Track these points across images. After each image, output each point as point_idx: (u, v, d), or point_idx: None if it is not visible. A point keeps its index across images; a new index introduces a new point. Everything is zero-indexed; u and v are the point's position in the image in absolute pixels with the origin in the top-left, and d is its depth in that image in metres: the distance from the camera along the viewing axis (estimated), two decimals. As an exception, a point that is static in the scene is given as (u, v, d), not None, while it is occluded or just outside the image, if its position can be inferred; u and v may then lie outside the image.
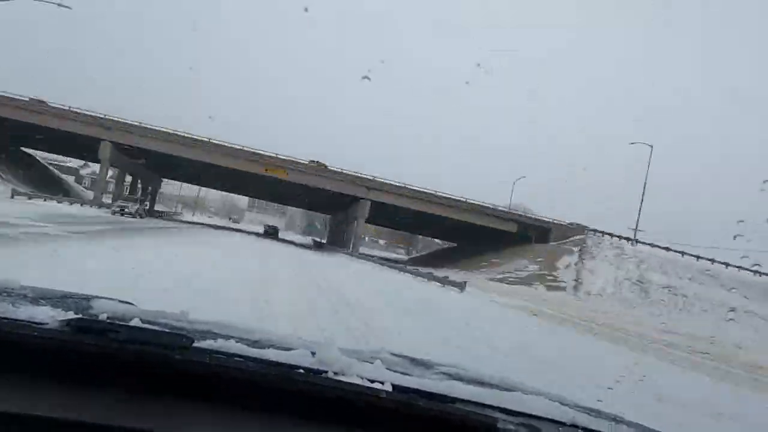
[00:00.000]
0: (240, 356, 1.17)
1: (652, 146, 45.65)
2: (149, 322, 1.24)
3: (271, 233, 54.60)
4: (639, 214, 44.78)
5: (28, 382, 0.99)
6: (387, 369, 1.36)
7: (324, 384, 1.18)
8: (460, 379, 1.51)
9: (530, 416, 1.29)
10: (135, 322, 1.16)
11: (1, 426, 0.89)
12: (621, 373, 9.14)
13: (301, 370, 1.19)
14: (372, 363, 1.36)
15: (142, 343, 1.06)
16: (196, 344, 1.13)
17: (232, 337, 1.26)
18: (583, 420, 1.40)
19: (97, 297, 1.51)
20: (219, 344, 1.19)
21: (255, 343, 1.31)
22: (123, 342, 1.04)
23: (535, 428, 1.24)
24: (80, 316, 1.15)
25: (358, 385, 1.18)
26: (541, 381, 3.79)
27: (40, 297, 1.42)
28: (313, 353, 1.28)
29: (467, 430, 1.16)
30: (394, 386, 1.23)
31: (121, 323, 1.13)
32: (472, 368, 1.89)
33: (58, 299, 1.47)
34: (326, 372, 1.22)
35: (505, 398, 1.35)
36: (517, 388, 1.67)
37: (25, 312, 1.11)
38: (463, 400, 1.28)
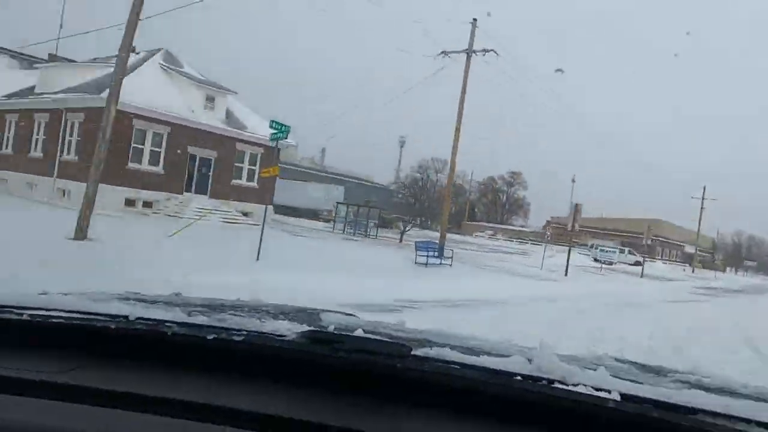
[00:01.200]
0: (457, 363, 1.20)
1: None
2: (371, 332, 1.37)
3: None
4: None
5: (272, 385, 1.18)
6: (613, 376, 1.19)
7: (544, 392, 1.12)
8: (702, 388, 1.20)
9: None
10: (358, 332, 1.30)
11: (252, 423, 1.07)
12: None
13: (519, 377, 1.15)
14: (595, 370, 1.21)
15: (365, 351, 1.18)
16: (414, 352, 1.21)
17: (447, 345, 1.29)
18: None
19: (324, 310, 1.72)
20: (435, 352, 1.24)
21: (470, 350, 1.30)
22: (349, 351, 1.18)
23: None
24: (312, 328, 1.32)
25: (581, 393, 1.09)
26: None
27: (280, 312, 1.67)
28: (530, 360, 1.21)
29: None
30: (622, 395, 1.07)
31: (347, 333, 1.28)
32: (717, 376, 1.45)
33: (294, 313, 1.70)
34: (546, 380, 1.15)
35: (762, 410, 1.03)
36: None
37: (271, 326, 1.33)
38: (707, 411, 1.02)
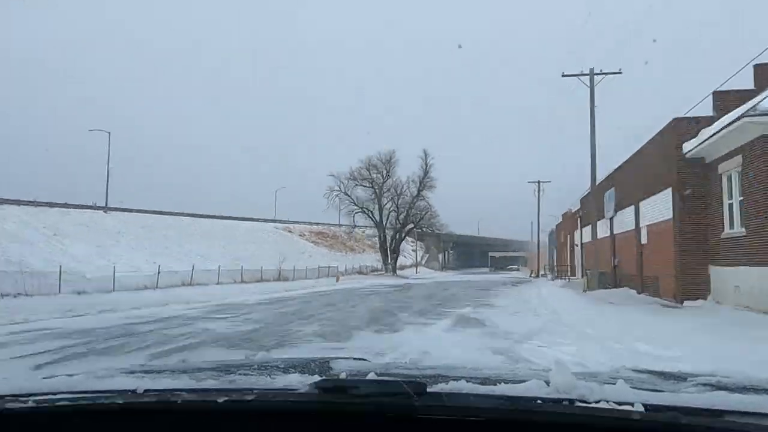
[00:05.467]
0: (474, 395, 1.19)
1: None
2: (384, 374, 1.35)
3: None
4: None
5: None
6: (633, 388, 1.17)
7: (567, 412, 1.11)
8: (724, 388, 1.18)
9: None
10: (371, 376, 1.29)
11: None
12: None
13: (539, 401, 1.14)
14: (614, 384, 1.18)
15: (381, 394, 1.17)
16: (429, 389, 1.19)
17: (462, 378, 1.27)
18: None
19: (334, 358, 1.69)
20: (451, 386, 1.22)
21: (486, 380, 1.29)
22: (365, 396, 1.16)
23: None
24: (324, 377, 1.31)
25: (604, 409, 1.07)
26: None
27: (290, 366, 1.64)
28: (547, 382, 1.20)
29: None
30: (645, 406, 1.05)
31: (360, 378, 1.27)
32: (737, 374, 1.43)
33: (303, 365, 1.67)
34: (566, 400, 1.13)
35: None
36: None
37: (282, 380, 1.33)
38: (734, 412, 1.00)
